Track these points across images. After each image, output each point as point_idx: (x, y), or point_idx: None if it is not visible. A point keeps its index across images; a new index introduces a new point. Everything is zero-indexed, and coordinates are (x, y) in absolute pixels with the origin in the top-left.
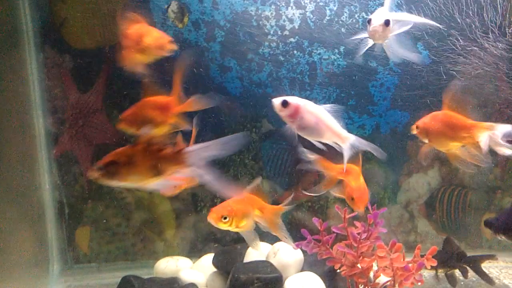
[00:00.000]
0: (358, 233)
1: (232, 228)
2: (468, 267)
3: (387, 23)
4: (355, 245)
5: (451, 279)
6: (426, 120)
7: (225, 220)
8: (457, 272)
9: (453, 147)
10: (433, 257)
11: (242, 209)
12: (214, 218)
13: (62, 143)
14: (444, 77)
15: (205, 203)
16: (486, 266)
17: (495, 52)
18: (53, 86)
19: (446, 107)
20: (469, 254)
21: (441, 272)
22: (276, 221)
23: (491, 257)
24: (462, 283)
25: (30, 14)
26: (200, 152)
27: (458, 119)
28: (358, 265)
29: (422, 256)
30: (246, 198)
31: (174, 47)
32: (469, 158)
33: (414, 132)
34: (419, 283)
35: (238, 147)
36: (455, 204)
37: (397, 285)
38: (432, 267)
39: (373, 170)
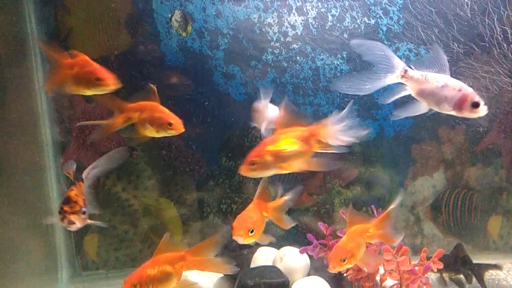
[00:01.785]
0: None
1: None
2: (472, 274)
3: None
4: None
5: (459, 283)
6: (265, 150)
7: (252, 234)
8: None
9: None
10: (440, 260)
11: (260, 218)
12: (243, 235)
13: (69, 152)
14: None
15: (211, 209)
16: None
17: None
18: (59, 96)
19: (280, 125)
20: (476, 260)
21: (446, 276)
22: (282, 217)
23: (496, 267)
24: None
25: (36, 25)
26: (89, 171)
27: (299, 131)
28: (365, 269)
29: (428, 259)
30: (256, 204)
31: (113, 85)
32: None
33: (251, 171)
34: (426, 286)
35: (121, 160)
36: (461, 206)
37: None
38: (438, 270)
39: (378, 174)
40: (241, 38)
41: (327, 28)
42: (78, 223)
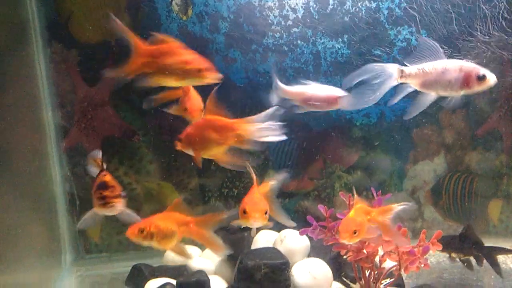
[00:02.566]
0: None
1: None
2: (483, 256)
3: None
4: None
5: (468, 264)
6: (189, 131)
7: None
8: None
9: (220, 151)
10: (448, 240)
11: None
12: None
13: (71, 136)
14: None
15: (212, 193)
16: None
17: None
18: (61, 81)
19: (208, 112)
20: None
21: (454, 257)
22: (272, 201)
23: (509, 251)
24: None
25: (37, 9)
26: None
27: (221, 121)
28: (364, 251)
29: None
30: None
31: (215, 76)
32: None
33: (178, 147)
34: (425, 267)
35: None
36: (461, 190)
37: (403, 269)
38: (446, 250)
39: (378, 158)
40: (242, 22)
41: (328, 11)
42: (121, 206)
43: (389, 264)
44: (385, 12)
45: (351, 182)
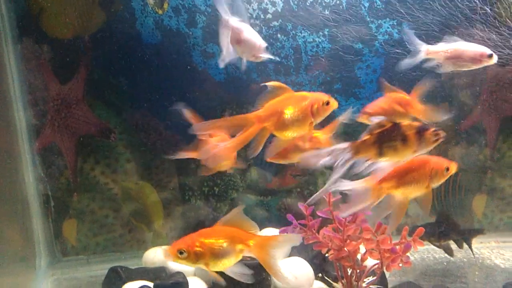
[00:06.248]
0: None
1: (203, 267)
2: (462, 239)
3: None
4: (341, 228)
5: (448, 250)
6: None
7: (182, 255)
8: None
9: None
10: (426, 228)
11: (213, 245)
12: (171, 252)
13: (45, 135)
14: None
15: (193, 192)
16: (478, 247)
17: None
18: (32, 78)
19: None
20: None
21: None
22: (269, 255)
23: (480, 232)
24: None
25: (5, 4)
26: None
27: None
28: (345, 249)
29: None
30: (222, 229)
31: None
32: None
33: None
34: (407, 265)
35: None
36: (446, 185)
37: (384, 267)
38: (425, 238)
39: None
40: (220, 16)
41: (308, 4)
42: None
43: (370, 262)
44: (366, 4)
45: None
